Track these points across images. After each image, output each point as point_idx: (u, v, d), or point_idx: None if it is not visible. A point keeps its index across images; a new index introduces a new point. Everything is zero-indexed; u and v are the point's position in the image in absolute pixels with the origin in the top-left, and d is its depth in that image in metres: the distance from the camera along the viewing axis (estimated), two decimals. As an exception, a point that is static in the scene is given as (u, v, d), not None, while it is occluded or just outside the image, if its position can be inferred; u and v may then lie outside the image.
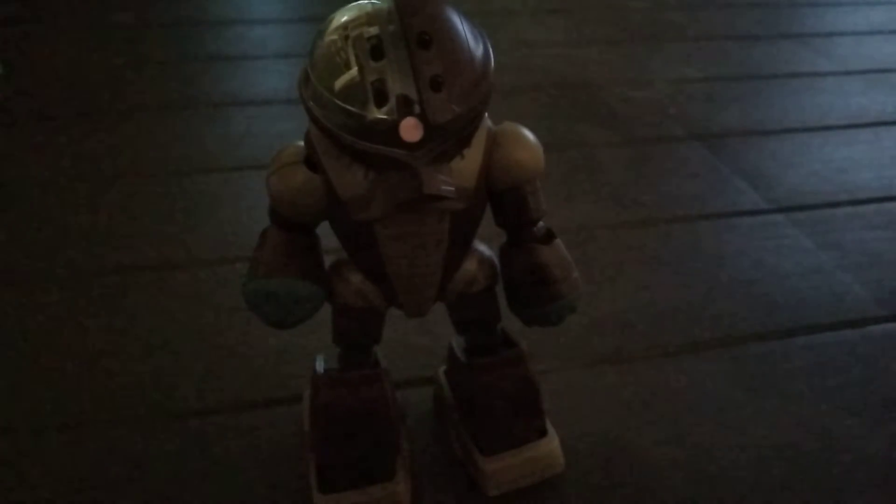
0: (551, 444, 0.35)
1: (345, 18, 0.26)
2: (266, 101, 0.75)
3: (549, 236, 0.31)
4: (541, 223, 0.31)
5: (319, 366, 0.33)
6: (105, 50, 0.86)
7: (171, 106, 0.74)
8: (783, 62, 0.90)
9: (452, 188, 0.26)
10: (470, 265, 0.32)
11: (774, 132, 0.72)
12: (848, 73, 0.87)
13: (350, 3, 0.27)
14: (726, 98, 0.80)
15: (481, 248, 0.33)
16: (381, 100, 0.25)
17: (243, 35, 0.93)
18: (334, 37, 0.26)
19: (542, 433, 0.35)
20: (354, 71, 0.25)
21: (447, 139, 0.26)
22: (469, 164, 0.29)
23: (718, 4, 1.11)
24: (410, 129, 0.25)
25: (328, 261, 0.32)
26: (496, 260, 0.33)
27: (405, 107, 0.25)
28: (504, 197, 0.30)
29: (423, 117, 0.25)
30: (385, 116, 0.25)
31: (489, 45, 0.27)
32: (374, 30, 0.25)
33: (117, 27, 0.93)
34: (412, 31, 0.25)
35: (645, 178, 0.63)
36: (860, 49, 0.95)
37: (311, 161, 0.28)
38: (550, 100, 0.78)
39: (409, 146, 0.25)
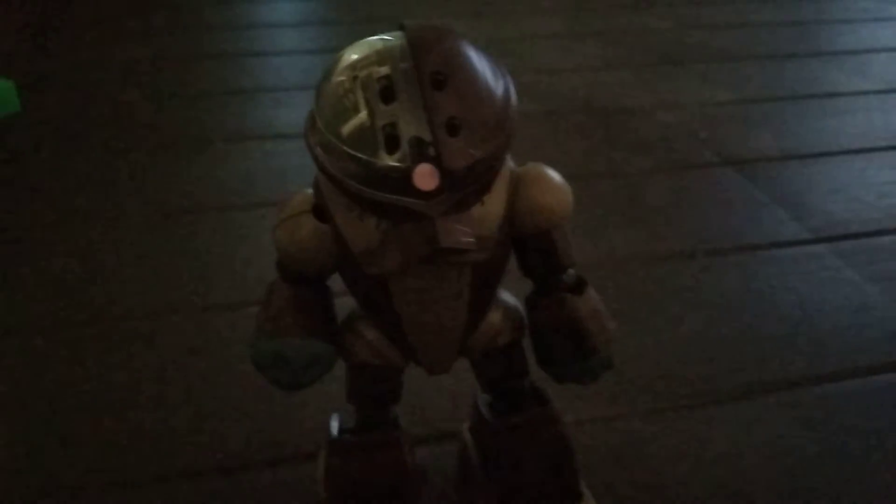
0: (587, 508, 0.32)
1: (353, 57, 0.24)
2: (282, 135, 0.74)
3: (580, 284, 0.29)
4: (570, 270, 0.29)
5: (334, 427, 0.31)
6: (117, 85, 0.86)
7: (184, 141, 0.72)
8: (817, 81, 0.87)
9: (472, 239, 0.24)
10: (494, 318, 0.29)
11: (811, 156, 0.69)
12: (886, 91, 0.84)
13: (362, 38, 0.25)
14: (759, 121, 0.77)
15: (506, 297, 0.30)
16: (392, 145, 0.23)
17: (258, 67, 0.92)
18: (342, 78, 0.24)
19: (577, 497, 0.32)
20: (364, 114, 0.23)
21: (466, 186, 0.23)
22: (490, 210, 0.26)
23: (743, 24, 1.08)
24: (425, 177, 0.23)
25: (341, 314, 0.30)
26: (522, 310, 0.30)
27: (419, 153, 0.23)
28: (530, 244, 0.28)
29: (438, 164, 0.23)
30: (397, 163, 0.23)
31: (510, 83, 0.25)
32: (384, 69, 0.23)
33: (129, 62, 0.93)
34: (426, 71, 0.23)
35: (679, 208, 0.60)
36: (897, 66, 0.91)
37: (320, 211, 0.26)
38: (578, 126, 0.75)
39: (424, 195, 0.23)
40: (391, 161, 0.23)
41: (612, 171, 0.66)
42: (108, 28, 1.06)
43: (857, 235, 0.56)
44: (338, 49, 0.98)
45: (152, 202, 0.62)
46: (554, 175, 0.27)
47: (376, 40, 0.24)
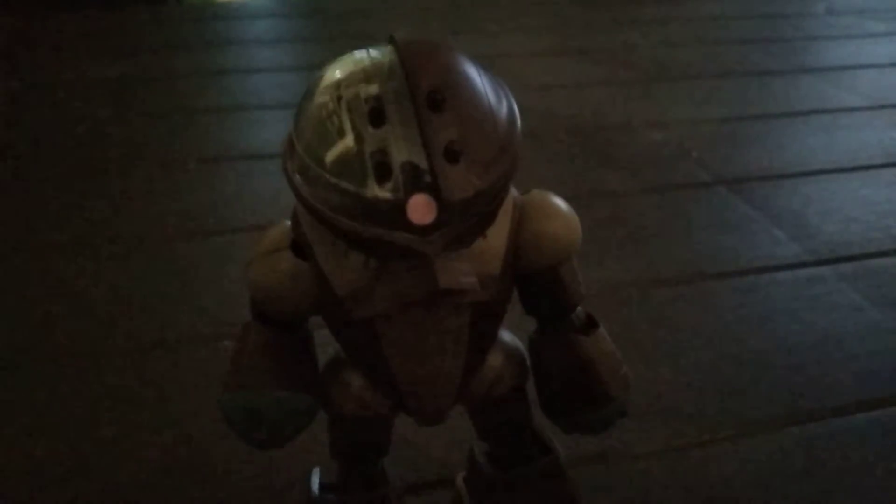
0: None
1: (337, 75, 0.21)
2: (260, 156, 0.71)
3: (589, 324, 0.26)
4: (579, 308, 0.26)
5: (314, 483, 0.28)
6: (89, 104, 0.82)
7: (159, 162, 0.69)
8: (806, 98, 0.86)
9: (474, 279, 0.21)
10: (495, 361, 0.26)
11: (805, 174, 0.67)
12: (876, 107, 0.82)
13: (346, 53, 0.22)
14: (749, 138, 0.75)
15: (507, 338, 0.27)
16: (383, 174, 0.20)
17: (236, 85, 0.89)
18: (324, 98, 0.21)
19: (585, 556, 0.29)
20: (350, 139, 0.20)
21: (466, 220, 0.20)
22: (493, 244, 0.23)
23: (729, 40, 1.07)
24: (421, 209, 0.20)
25: (322, 353, 0.27)
26: (525, 352, 0.27)
27: (414, 182, 0.20)
28: (535, 280, 0.25)
29: (436, 194, 0.20)
30: (389, 195, 0.20)
31: (513, 102, 0.22)
32: (373, 88, 0.20)
33: (102, 80, 0.89)
34: (420, 90, 0.20)
35: (674, 230, 0.58)
36: (884, 82, 0.90)
37: (299, 246, 0.23)
38: (566, 146, 0.73)
39: (420, 230, 0.20)
40: (382, 192, 0.20)
41: (603, 192, 0.64)
42: (79, 46, 1.03)
43: (859, 257, 0.54)
44: (314, 66, 0.95)
45: (122, 228, 0.58)
46: (561, 204, 0.25)
47: (363, 56, 0.21)
